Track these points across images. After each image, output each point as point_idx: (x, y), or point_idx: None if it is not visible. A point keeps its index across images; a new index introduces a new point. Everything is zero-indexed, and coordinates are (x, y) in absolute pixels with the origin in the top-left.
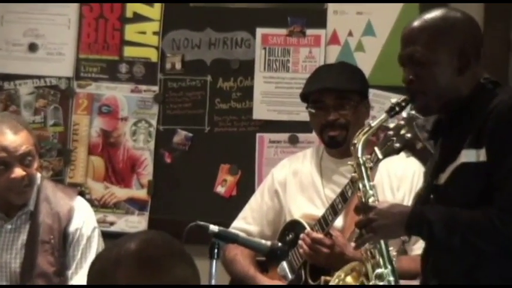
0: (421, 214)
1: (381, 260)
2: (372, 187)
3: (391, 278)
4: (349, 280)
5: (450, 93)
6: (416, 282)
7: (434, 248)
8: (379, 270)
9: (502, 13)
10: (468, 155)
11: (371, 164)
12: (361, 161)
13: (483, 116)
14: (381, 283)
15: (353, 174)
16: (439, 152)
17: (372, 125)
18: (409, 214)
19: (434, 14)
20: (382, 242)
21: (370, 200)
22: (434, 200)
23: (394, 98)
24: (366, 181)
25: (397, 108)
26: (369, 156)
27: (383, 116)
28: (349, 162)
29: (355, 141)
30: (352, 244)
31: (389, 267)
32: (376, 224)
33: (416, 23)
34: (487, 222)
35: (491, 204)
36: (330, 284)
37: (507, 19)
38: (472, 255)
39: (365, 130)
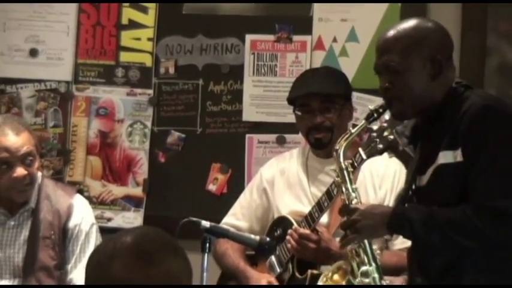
0: (402, 214)
1: (365, 258)
2: (355, 190)
3: (376, 275)
4: (336, 278)
5: (424, 99)
6: (399, 279)
7: (417, 246)
8: (364, 268)
9: (479, 20)
10: (446, 156)
11: (352, 169)
12: (344, 166)
13: (457, 118)
14: (367, 280)
15: (336, 178)
16: (418, 155)
17: (352, 131)
18: (391, 214)
19: (407, 24)
20: (366, 241)
21: (353, 202)
22: (417, 202)
23: (372, 105)
24: (348, 184)
25: (375, 115)
26: (350, 161)
27: (362, 122)
28: (331, 168)
29: (337, 147)
30: (337, 239)
31: (373, 264)
32: (359, 224)
33: (390, 33)
34: (465, 218)
35: (468, 201)
36: (318, 283)
37: (484, 26)
38: (452, 251)
39: (346, 136)
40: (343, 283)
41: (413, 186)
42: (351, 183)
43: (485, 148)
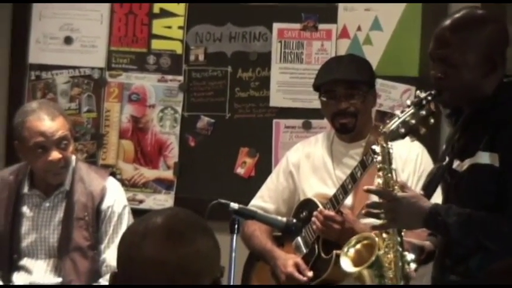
0: (439, 215)
1: (391, 232)
2: (394, 171)
3: (399, 248)
4: (359, 247)
5: (474, 92)
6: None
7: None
8: (388, 240)
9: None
10: (483, 157)
11: (393, 150)
12: (386, 149)
13: (500, 120)
14: (391, 252)
15: (377, 157)
16: (458, 138)
17: (400, 115)
18: (428, 212)
19: (469, 17)
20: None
21: (391, 183)
22: (452, 184)
23: (422, 92)
24: (389, 166)
25: (423, 102)
26: (392, 145)
27: (411, 109)
28: (373, 146)
29: (385, 130)
30: (361, 221)
31: (398, 238)
32: (396, 215)
33: (451, 25)
34: (499, 228)
35: (502, 208)
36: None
37: (504, 14)
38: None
39: (394, 120)
40: (366, 254)
41: (449, 166)
42: (390, 164)
43: None
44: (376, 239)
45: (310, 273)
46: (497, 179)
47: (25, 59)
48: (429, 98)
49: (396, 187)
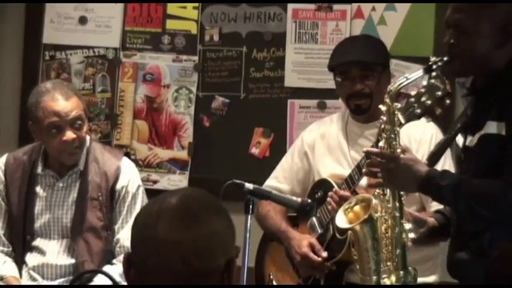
0: (434, 178)
1: (391, 197)
2: (397, 133)
3: (397, 214)
4: (357, 209)
5: (486, 63)
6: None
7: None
8: (387, 204)
9: None
10: (491, 127)
11: (399, 114)
12: (392, 109)
13: (508, 91)
14: (387, 217)
15: (382, 118)
16: (470, 113)
17: (409, 77)
18: (424, 176)
19: None
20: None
21: (393, 143)
22: (464, 160)
23: (433, 57)
24: (393, 127)
25: (434, 67)
26: (398, 105)
27: (420, 71)
28: (380, 106)
29: (391, 89)
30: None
31: (397, 204)
32: (393, 175)
33: None
34: (491, 193)
35: (502, 175)
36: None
37: None
38: (480, 219)
39: (400, 81)
40: (363, 215)
41: (462, 145)
42: (394, 126)
43: None
44: (374, 200)
45: (324, 254)
46: (502, 146)
47: (39, 39)
48: (440, 63)
49: (398, 150)
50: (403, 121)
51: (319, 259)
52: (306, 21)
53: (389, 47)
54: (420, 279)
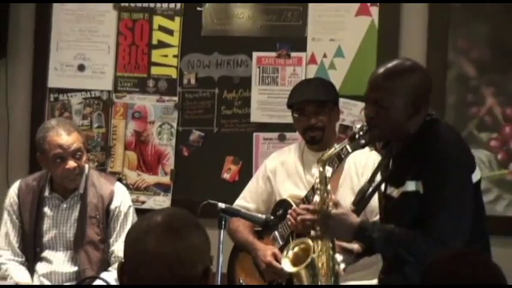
0: (366, 231)
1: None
2: (329, 192)
3: (331, 252)
4: (296, 250)
5: (401, 131)
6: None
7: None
8: (321, 246)
9: (442, 37)
10: (411, 185)
11: (329, 174)
12: (323, 174)
13: (423, 154)
14: (324, 254)
15: (316, 180)
16: (391, 169)
17: (336, 147)
18: (356, 228)
19: (396, 67)
20: None
21: (327, 201)
22: (387, 207)
23: (357, 126)
24: (325, 187)
25: (356, 136)
26: (330, 170)
27: (346, 141)
28: (313, 170)
29: (322, 158)
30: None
31: (330, 244)
32: (330, 229)
33: (382, 72)
34: (416, 244)
35: (425, 226)
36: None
37: (446, 42)
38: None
39: (331, 150)
40: (303, 256)
41: (383, 191)
42: (326, 185)
43: (441, 191)
44: (311, 243)
45: None
46: (421, 202)
47: (45, 84)
48: (361, 132)
49: (330, 203)
50: (350, 150)
51: (281, 266)
52: (268, 66)
53: (338, 88)
54: (365, 282)
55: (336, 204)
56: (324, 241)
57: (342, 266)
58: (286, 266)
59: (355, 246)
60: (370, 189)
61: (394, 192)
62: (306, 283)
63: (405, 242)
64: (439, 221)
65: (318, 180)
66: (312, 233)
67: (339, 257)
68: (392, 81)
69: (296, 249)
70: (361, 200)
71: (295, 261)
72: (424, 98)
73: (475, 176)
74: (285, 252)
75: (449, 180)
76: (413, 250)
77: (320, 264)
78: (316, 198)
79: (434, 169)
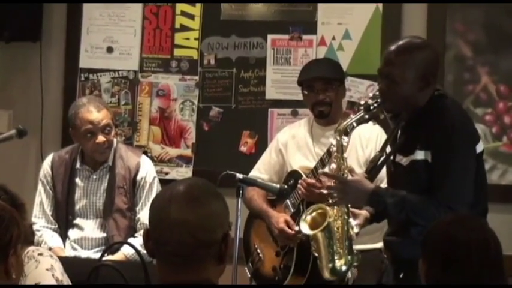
0: (380, 196)
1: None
2: (345, 159)
3: (345, 216)
4: (315, 215)
5: (411, 103)
6: (362, 213)
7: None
8: (337, 211)
9: (441, 21)
10: (420, 154)
11: (346, 144)
12: (340, 142)
13: (431, 125)
14: (339, 219)
15: (333, 147)
16: (401, 138)
17: (353, 117)
18: (370, 193)
19: (410, 43)
20: None
21: (342, 167)
22: (396, 173)
23: (370, 99)
24: (342, 155)
25: (371, 108)
26: (346, 139)
27: (361, 113)
28: (331, 139)
29: (339, 128)
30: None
31: (345, 209)
32: (345, 195)
33: (394, 48)
34: (427, 209)
35: (432, 192)
36: (301, 218)
37: (444, 26)
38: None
39: (347, 121)
40: (320, 220)
41: (392, 159)
42: (342, 154)
43: (448, 160)
44: (328, 208)
45: (297, 228)
46: (429, 170)
47: (77, 64)
48: (375, 105)
49: (346, 171)
50: (355, 124)
51: (293, 232)
52: (282, 48)
53: (346, 68)
54: (370, 246)
55: (351, 171)
56: (340, 206)
57: (356, 230)
58: (304, 228)
59: (363, 212)
60: (382, 158)
61: (403, 160)
62: (322, 245)
63: (416, 206)
64: (446, 187)
65: (335, 149)
66: (330, 200)
67: (352, 222)
68: (403, 56)
69: (314, 213)
70: (373, 168)
71: (313, 225)
72: (433, 72)
73: (479, 147)
74: (303, 216)
75: (456, 150)
76: (423, 214)
77: (335, 228)
78: (333, 165)
79: (443, 140)
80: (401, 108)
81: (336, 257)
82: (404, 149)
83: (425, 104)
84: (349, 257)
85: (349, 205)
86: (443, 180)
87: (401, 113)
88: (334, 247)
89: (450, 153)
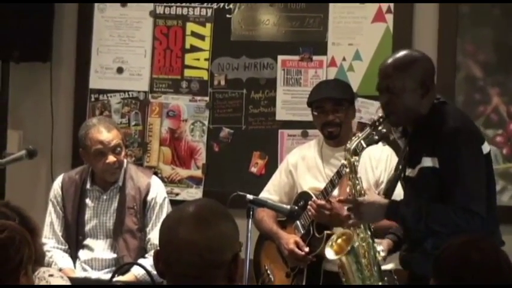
0: (396, 208)
1: (363, 228)
2: (359, 178)
3: (370, 240)
4: (340, 242)
5: (414, 113)
6: (384, 242)
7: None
8: (361, 235)
9: (451, 42)
10: (427, 161)
11: (358, 163)
12: (351, 162)
13: (435, 132)
14: (363, 243)
15: (345, 168)
16: (407, 150)
17: (360, 135)
18: (387, 207)
19: (404, 55)
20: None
21: (357, 188)
22: (407, 188)
23: (375, 115)
24: (355, 175)
25: (376, 123)
26: (356, 158)
27: (368, 129)
28: (342, 161)
29: (349, 146)
30: (345, 207)
31: (369, 232)
32: (363, 216)
33: (390, 61)
34: (445, 215)
35: (446, 197)
36: (327, 245)
37: (454, 46)
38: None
39: (355, 139)
40: (346, 246)
41: (403, 175)
42: (356, 173)
43: (456, 163)
44: (352, 233)
45: (307, 249)
46: (438, 176)
47: (87, 85)
48: (380, 120)
49: (362, 191)
50: (364, 145)
51: (303, 253)
52: (292, 69)
53: (356, 89)
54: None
55: (368, 190)
56: (362, 229)
57: (383, 254)
58: (330, 255)
59: (385, 241)
60: (396, 176)
61: (412, 172)
62: (349, 270)
63: (434, 213)
64: (460, 190)
65: (347, 169)
66: (350, 221)
67: (378, 247)
68: (400, 67)
69: (339, 240)
70: (389, 189)
71: (339, 252)
72: (431, 78)
73: (485, 148)
74: (329, 243)
75: (463, 151)
76: (443, 220)
77: (362, 253)
78: (349, 185)
79: (448, 143)
80: (406, 119)
81: (367, 283)
82: (412, 160)
83: (428, 112)
84: (380, 283)
85: (372, 226)
86: (455, 184)
87: (407, 129)
88: (364, 272)
89: (457, 154)
